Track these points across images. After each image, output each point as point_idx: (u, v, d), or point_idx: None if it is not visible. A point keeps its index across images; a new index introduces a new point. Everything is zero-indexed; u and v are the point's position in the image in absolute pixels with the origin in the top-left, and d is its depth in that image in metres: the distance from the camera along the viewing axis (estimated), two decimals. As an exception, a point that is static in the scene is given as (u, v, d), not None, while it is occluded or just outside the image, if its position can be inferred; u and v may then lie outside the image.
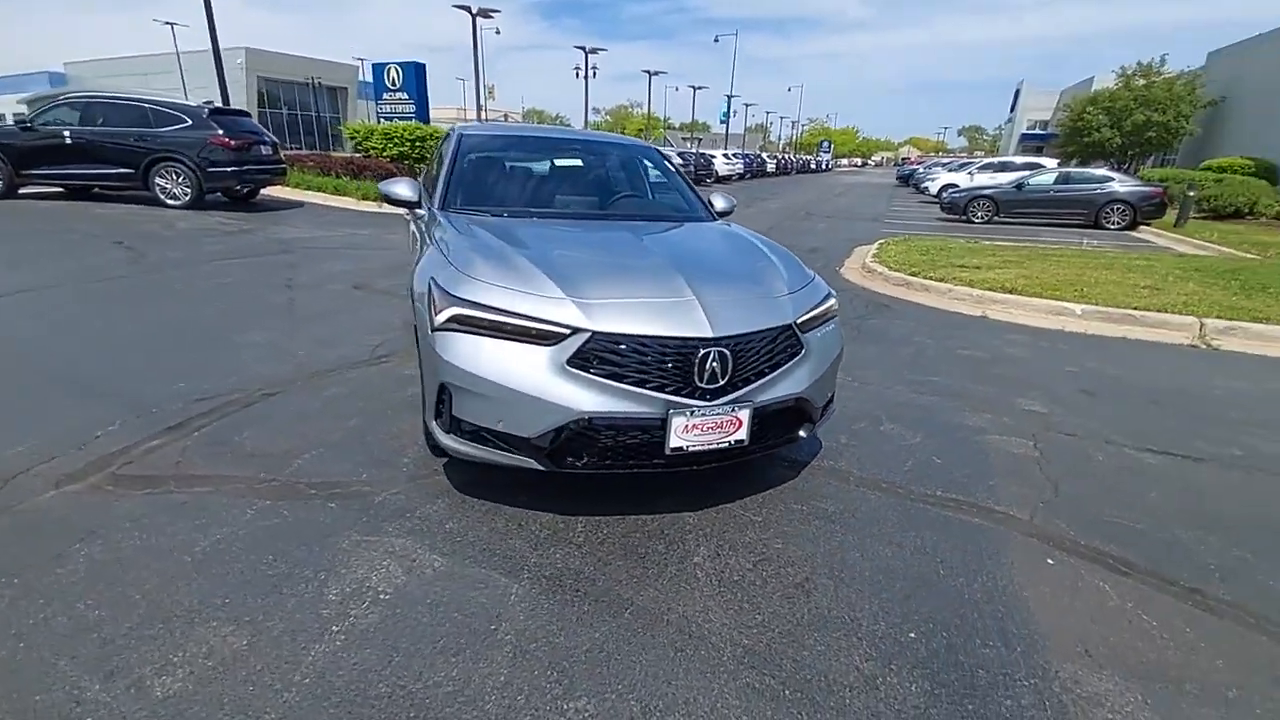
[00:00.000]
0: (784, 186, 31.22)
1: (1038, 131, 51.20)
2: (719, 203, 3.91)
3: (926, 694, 1.71)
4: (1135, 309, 6.13)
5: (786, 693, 1.69)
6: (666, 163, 4.10)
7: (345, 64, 43.24)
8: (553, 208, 3.51)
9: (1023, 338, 5.53)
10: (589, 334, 2.13)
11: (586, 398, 2.12)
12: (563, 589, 2.04)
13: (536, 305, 2.19)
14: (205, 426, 2.98)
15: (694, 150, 34.71)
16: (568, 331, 2.15)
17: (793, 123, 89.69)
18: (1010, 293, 6.79)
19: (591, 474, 2.35)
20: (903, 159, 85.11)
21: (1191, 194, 15.18)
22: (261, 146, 10.52)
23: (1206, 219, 16.41)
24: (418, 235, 3.43)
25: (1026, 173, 17.94)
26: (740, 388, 2.26)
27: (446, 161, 3.48)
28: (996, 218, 16.08)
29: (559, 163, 3.82)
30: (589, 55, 34.07)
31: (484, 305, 2.22)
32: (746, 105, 65.06)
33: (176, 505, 2.35)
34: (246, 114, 11.14)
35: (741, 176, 33.67)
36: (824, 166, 64.86)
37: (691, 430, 2.19)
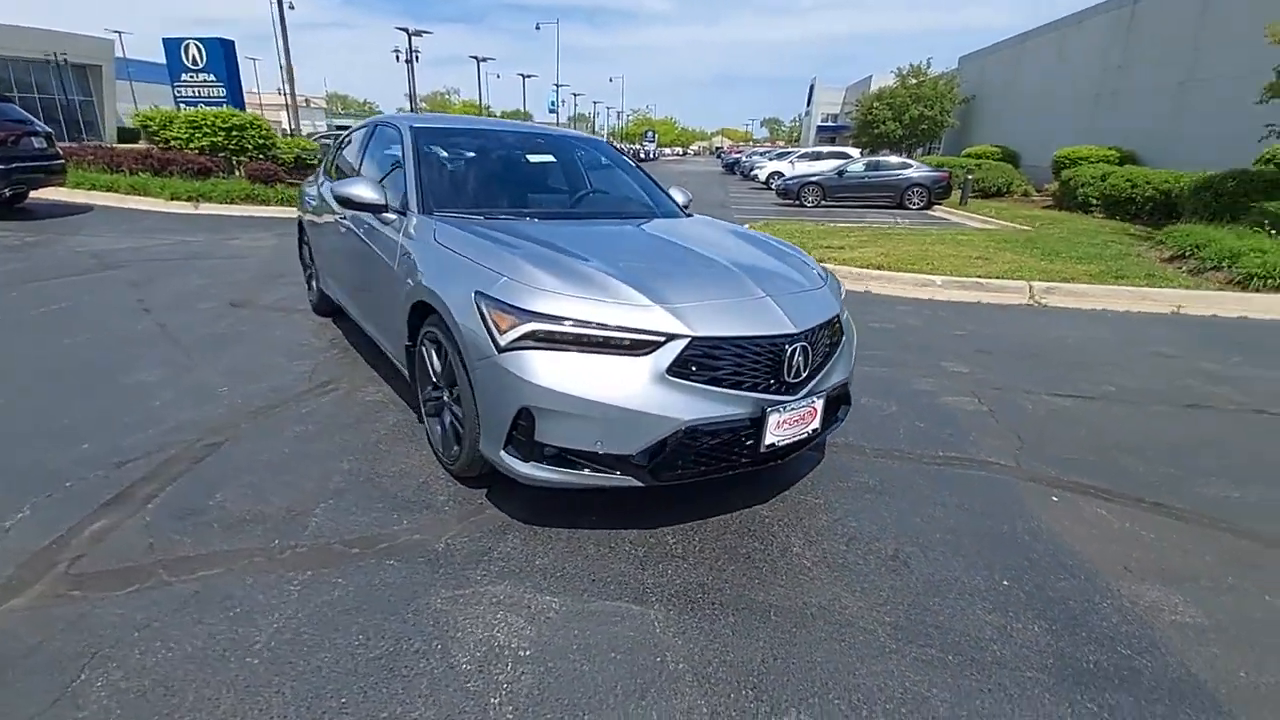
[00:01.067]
0: (624, 176, 31.81)
1: (830, 124, 57.70)
2: (678, 197, 3.94)
3: (1049, 631, 1.94)
4: (980, 277, 7.24)
5: (950, 659, 1.81)
6: (624, 157, 4.02)
7: (97, 37, 35.47)
8: (537, 206, 3.29)
9: (909, 308, 6.29)
10: (688, 339, 2.06)
11: (688, 405, 2.05)
12: (698, 604, 1.97)
13: (624, 314, 2.07)
14: (157, 495, 2.38)
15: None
16: (663, 339, 2.06)
17: (619, 113, 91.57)
18: (880, 269, 7.66)
19: (689, 483, 2.27)
20: (718, 148, 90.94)
21: (970, 177, 18.19)
22: (32, 139, 8.38)
23: (977, 198, 19.75)
24: (380, 243, 3.00)
25: (843, 161, 20.44)
26: (813, 378, 2.34)
27: (408, 159, 3.08)
28: (824, 201, 18.04)
29: (532, 158, 3.57)
30: (412, 38, 31.69)
31: (565, 318, 2.04)
32: (575, 95, 65.17)
33: (187, 598, 1.87)
34: (8, 98, 8.81)
35: (582, 166, 33.62)
36: (652, 156, 67.03)
37: (782, 426, 2.22)
